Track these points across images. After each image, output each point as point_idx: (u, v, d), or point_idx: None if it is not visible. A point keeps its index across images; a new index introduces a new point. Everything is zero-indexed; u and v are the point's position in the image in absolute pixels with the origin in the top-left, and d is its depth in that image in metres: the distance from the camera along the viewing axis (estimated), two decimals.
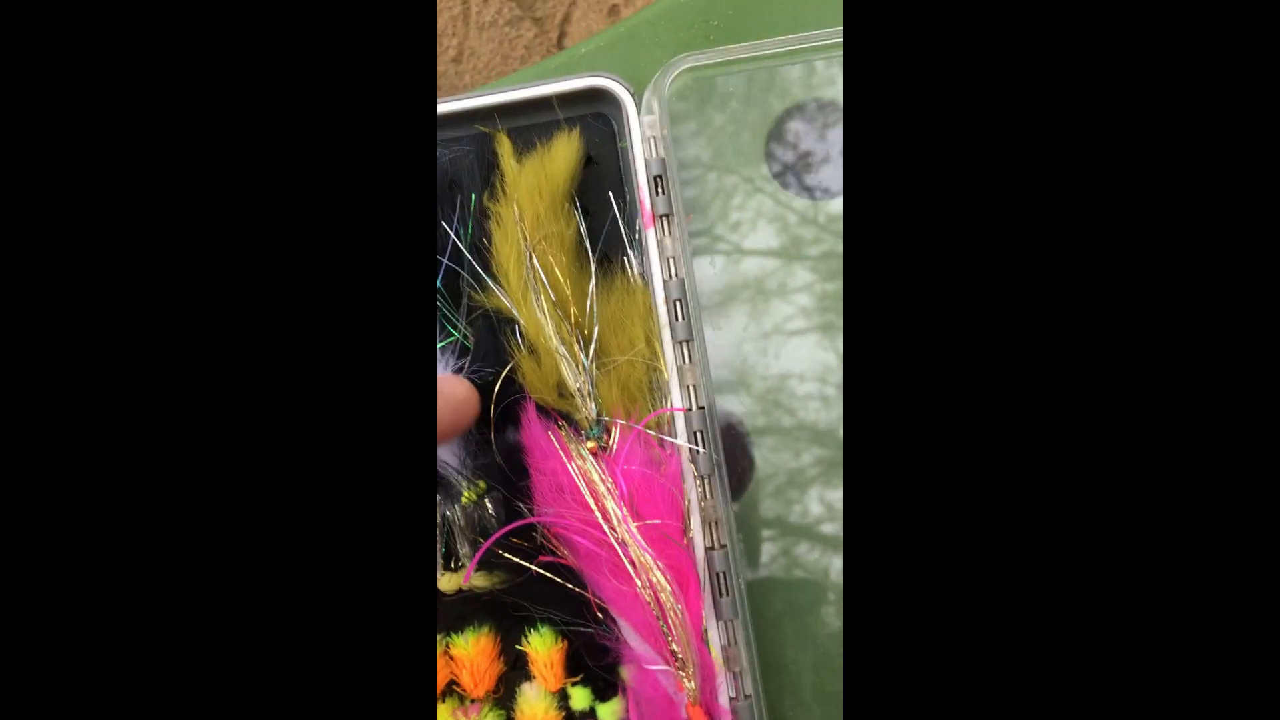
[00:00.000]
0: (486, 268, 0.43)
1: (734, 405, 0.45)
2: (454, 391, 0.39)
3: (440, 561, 0.41)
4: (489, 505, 0.41)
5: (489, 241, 0.43)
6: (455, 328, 0.43)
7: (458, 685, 0.40)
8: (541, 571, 0.39)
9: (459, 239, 0.43)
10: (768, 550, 0.44)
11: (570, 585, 0.39)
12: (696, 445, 0.41)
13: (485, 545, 0.39)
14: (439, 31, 0.97)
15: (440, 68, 0.95)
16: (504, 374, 0.42)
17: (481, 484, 0.42)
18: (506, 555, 0.40)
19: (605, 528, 0.39)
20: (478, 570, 0.40)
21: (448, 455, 0.42)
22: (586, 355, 0.42)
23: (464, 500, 0.41)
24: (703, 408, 0.41)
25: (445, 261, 0.43)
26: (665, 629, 0.38)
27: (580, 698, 0.39)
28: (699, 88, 0.47)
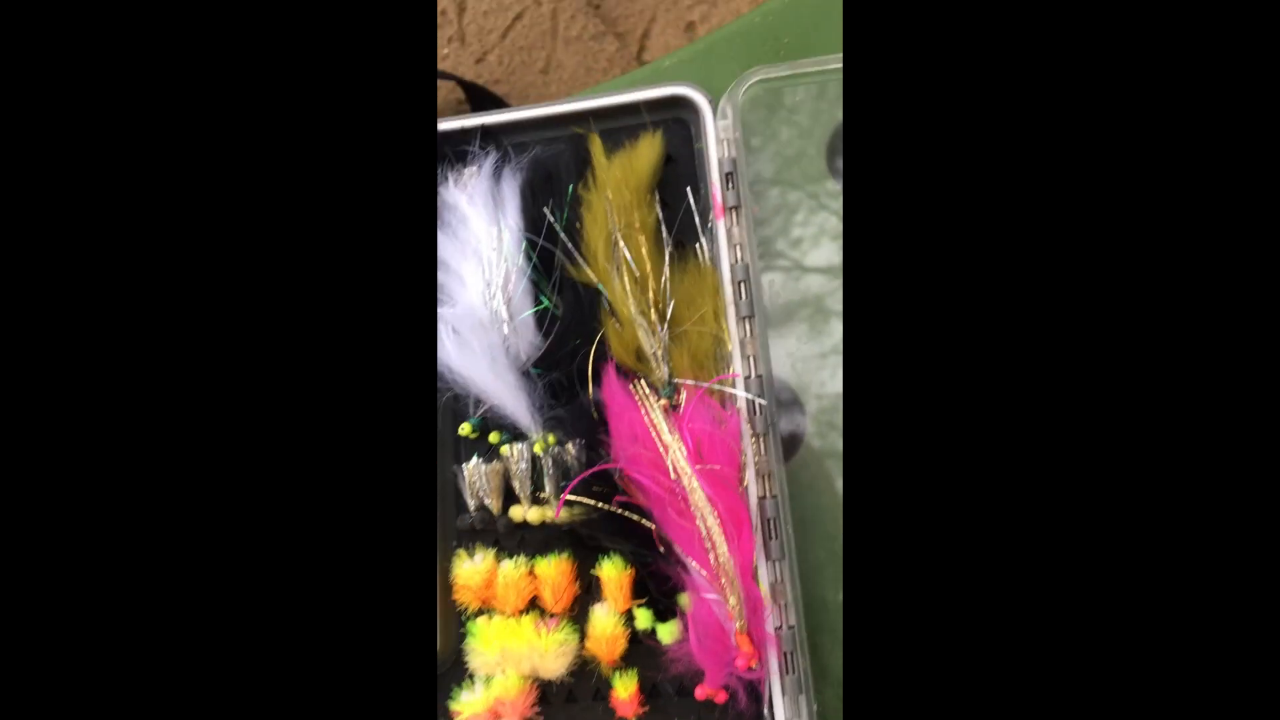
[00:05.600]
0: (578, 247, 0.50)
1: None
2: None
3: (528, 497, 0.48)
4: (571, 450, 0.47)
5: (581, 225, 0.50)
6: (547, 298, 0.50)
7: (540, 601, 0.46)
8: (616, 509, 0.45)
9: (555, 221, 0.50)
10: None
11: (640, 521, 0.45)
12: (754, 408, 0.46)
13: (571, 485, 0.46)
14: (529, 45, 1.05)
15: (529, 79, 1.03)
16: (596, 341, 0.48)
17: (551, 437, 0.48)
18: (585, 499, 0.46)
19: (672, 474, 0.45)
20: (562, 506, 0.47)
21: (522, 409, 0.48)
22: (662, 325, 0.48)
23: (536, 449, 0.48)
24: (760, 376, 0.47)
25: (541, 241, 0.50)
26: (720, 564, 0.44)
27: (644, 618, 0.45)
28: (767, 99, 0.52)
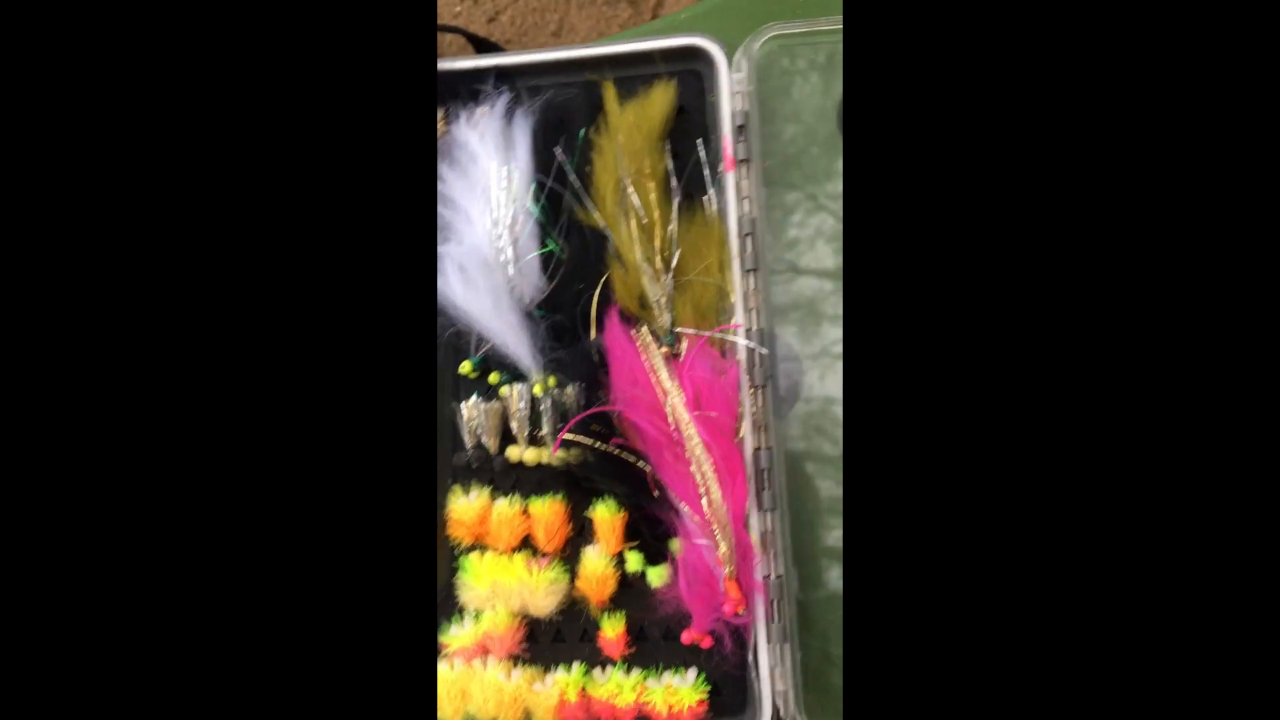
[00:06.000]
0: (587, 191, 0.50)
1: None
2: None
3: (525, 438, 0.48)
4: (571, 393, 0.47)
5: (591, 169, 0.50)
6: (554, 240, 0.50)
7: (532, 540, 0.47)
8: (612, 450, 0.46)
9: (566, 165, 0.50)
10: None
11: (636, 463, 0.46)
12: (754, 360, 0.47)
13: (571, 423, 0.46)
14: (542, 7, 1.05)
15: (541, 40, 1.02)
16: (600, 285, 0.48)
17: (551, 379, 0.48)
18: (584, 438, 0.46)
19: (671, 419, 0.45)
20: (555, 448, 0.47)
21: (523, 350, 0.48)
22: (667, 273, 0.48)
23: (535, 391, 0.48)
24: (762, 329, 0.47)
25: (550, 183, 0.50)
26: (713, 510, 0.44)
27: (634, 561, 0.46)
28: (779, 82, 0.51)
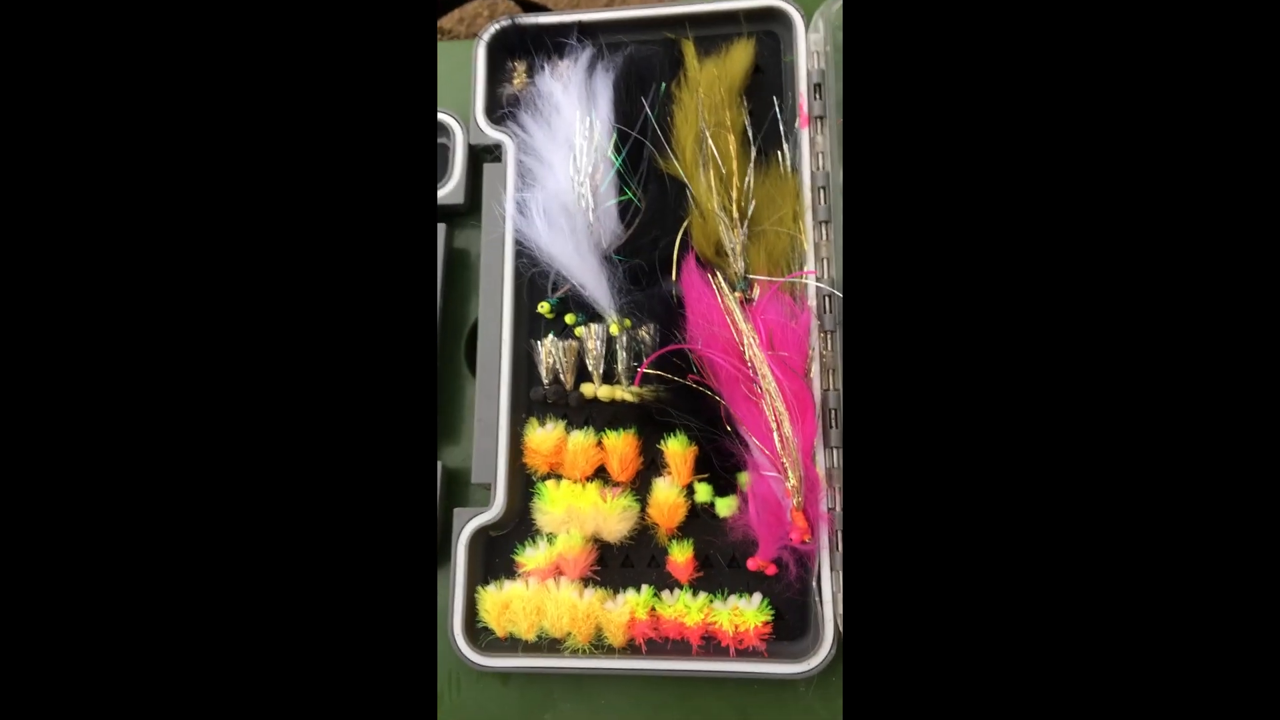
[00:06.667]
0: (668, 142, 0.52)
1: None
2: None
3: (600, 375, 0.51)
4: (646, 334, 0.50)
5: (671, 121, 0.52)
6: (631, 190, 0.52)
7: (607, 469, 0.49)
8: (689, 385, 0.48)
9: (649, 114, 0.52)
10: None
11: (712, 395, 0.48)
12: (825, 307, 0.49)
13: (652, 357, 0.48)
14: None
15: (593, 4, 1.04)
16: (680, 232, 0.50)
17: (627, 320, 0.50)
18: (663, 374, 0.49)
19: (745, 358, 0.48)
20: (629, 385, 0.49)
21: (601, 292, 0.51)
22: (743, 223, 0.50)
23: (612, 330, 0.50)
24: (833, 278, 0.50)
25: (634, 134, 0.52)
26: (782, 444, 0.47)
27: (703, 492, 0.48)
28: None
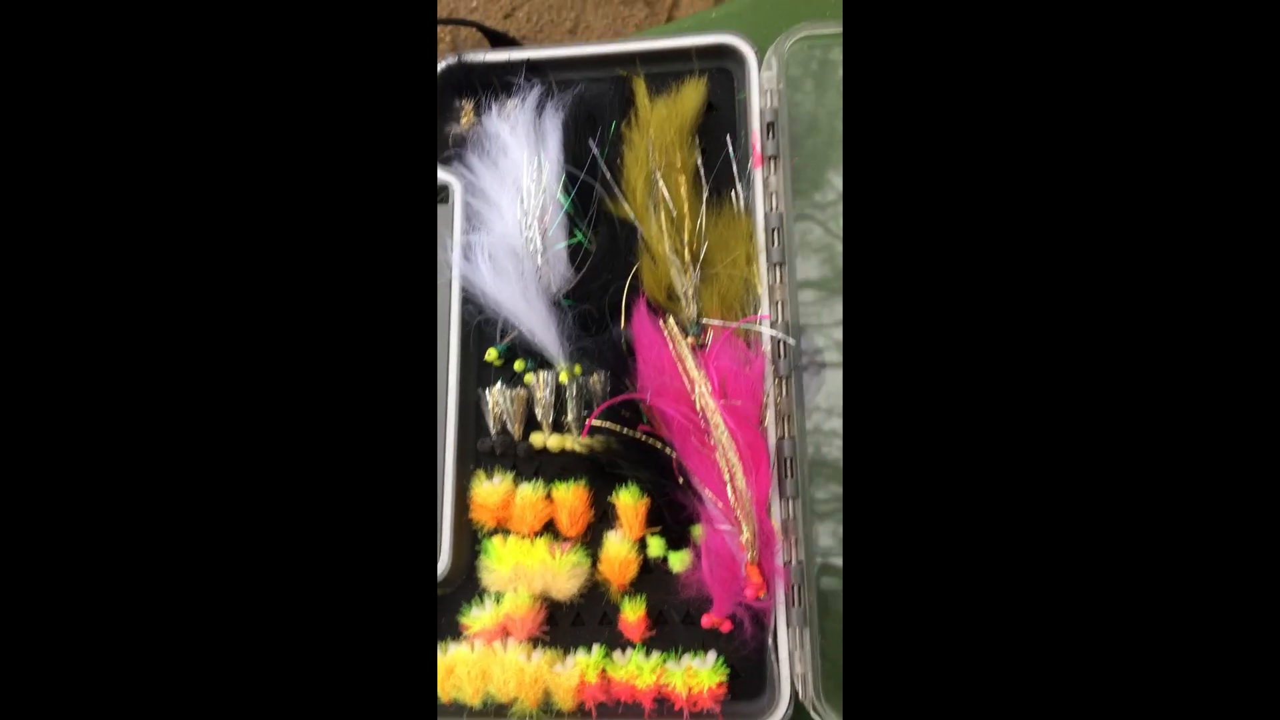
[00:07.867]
0: (618, 183, 0.50)
1: None
2: None
3: (549, 424, 0.49)
4: (597, 381, 0.48)
5: (621, 162, 0.51)
6: (581, 233, 0.50)
7: (555, 524, 0.47)
8: (639, 436, 0.46)
9: (597, 157, 0.51)
10: None
11: (663, 449, 0.46)
12: (780, 352, 0.48)
13: (601, 408, 0.46)
14: (558, 4, 1.06)
15: (557, 38, 1.03)
16: (630, 276, 0.49)
17: (578, 367, 0.49)
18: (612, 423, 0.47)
19: (697, 406, 0.46)
20: (579, 435, 0.48)
21: (550, 339, 0.49)
22: (694, 265, 0.49)
23: (562, 378, 0.48)
24: (788, 321, 0.48)
25: (584, 175, 0.51)
26: (736, 497, 0.45)
27: (656, 546, 0.46)
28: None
